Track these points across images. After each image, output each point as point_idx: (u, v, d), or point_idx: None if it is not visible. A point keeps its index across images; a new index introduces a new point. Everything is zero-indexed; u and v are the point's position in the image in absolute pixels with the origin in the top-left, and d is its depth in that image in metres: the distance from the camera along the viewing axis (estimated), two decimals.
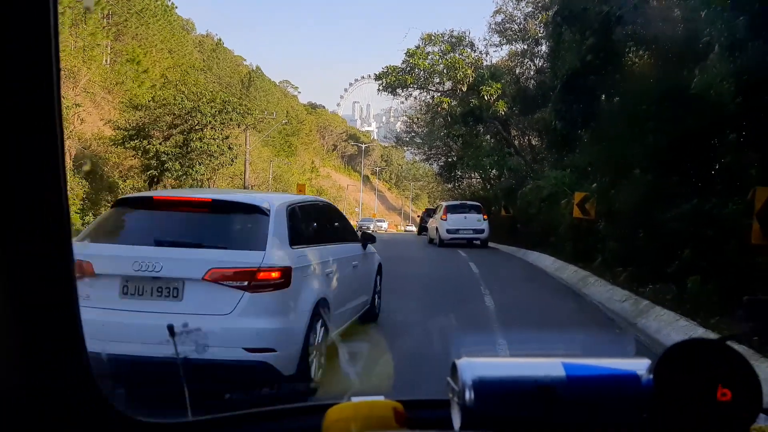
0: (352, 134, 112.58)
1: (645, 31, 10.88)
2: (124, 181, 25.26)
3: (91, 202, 22.13)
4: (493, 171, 23.76)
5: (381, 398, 0.92)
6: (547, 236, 15.22)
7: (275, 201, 4.38)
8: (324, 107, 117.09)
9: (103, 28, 34.76)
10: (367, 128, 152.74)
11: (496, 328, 6.68)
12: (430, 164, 38.34)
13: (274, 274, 3.89)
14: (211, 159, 25.36)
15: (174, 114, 24.28)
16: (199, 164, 24.82)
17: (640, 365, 0.85)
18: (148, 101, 24.60)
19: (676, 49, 9.83)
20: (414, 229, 46.18)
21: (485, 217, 19.66)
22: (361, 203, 79.46)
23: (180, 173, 24.09)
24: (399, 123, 41.03)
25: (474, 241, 19.69)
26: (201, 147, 24.47)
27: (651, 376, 0.80)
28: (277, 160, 59.36)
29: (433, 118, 29.00)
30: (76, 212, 19.86)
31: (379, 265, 6.94)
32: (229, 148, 26.28)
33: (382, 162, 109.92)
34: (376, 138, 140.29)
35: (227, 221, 4.33)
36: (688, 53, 8.88)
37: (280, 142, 76.21)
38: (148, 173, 24.08)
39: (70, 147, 20.71)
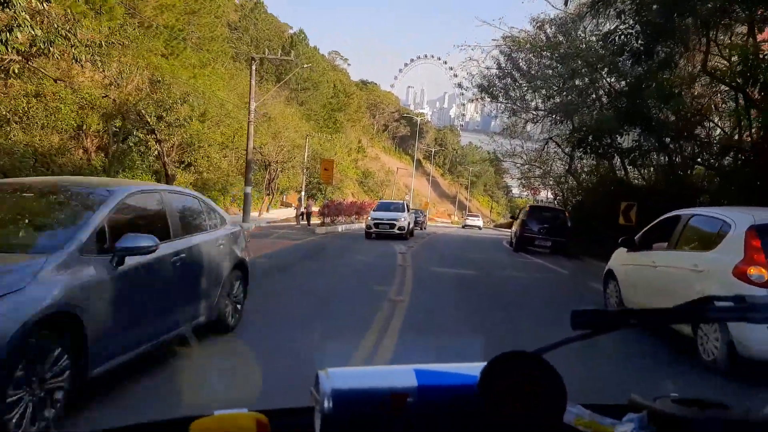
0: (405, 114, 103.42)
1: None
2: None
3: None
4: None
5: (245, 410, 0.91)
6: None
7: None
8: (377, 84, 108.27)
9: None
10: (420, 111, 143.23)
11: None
12: (544, 119, 22.06)
13: None
14: None
15: None
16: None
17: None
18: None
19: None
20: (478, 223, 34.05)
21: None
22: (413, 189, 70.46)
23: None
24: (484, 60, 24.83)
25: None
26: None
27: None
28: (317, 136, 50.87)
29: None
30: None
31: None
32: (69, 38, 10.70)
33: (435, 145, 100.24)
34: (429, 121, 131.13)
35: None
36: None
37: (324, 117, 67.67)
38: None
39: None
